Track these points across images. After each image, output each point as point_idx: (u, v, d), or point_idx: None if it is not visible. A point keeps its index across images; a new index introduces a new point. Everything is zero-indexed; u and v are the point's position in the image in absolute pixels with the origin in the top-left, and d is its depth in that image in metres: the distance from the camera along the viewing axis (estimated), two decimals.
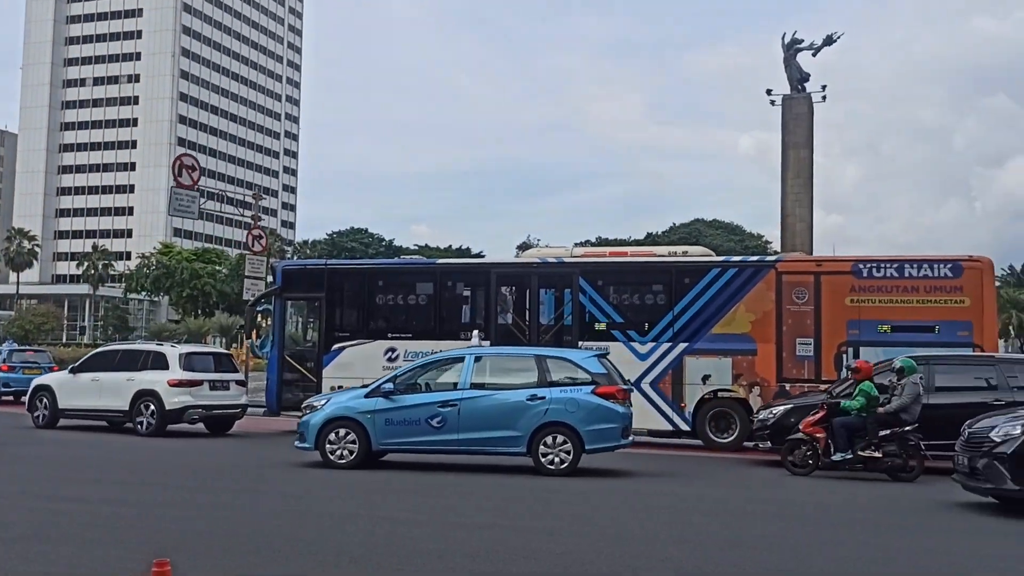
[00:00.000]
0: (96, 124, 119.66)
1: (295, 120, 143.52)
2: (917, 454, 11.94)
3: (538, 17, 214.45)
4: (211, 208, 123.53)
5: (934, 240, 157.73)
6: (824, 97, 34.39)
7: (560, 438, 11.86)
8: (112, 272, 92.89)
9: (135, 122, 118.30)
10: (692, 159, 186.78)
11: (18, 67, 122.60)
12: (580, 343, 16.64)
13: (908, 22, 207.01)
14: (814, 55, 35.04)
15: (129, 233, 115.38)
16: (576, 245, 25.52)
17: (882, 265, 15.33)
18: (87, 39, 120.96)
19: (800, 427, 12.52)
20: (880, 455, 11.95)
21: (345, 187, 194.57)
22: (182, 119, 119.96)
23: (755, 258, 17.96)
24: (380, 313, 18.27)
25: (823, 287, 15.38)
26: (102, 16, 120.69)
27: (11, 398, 25.01)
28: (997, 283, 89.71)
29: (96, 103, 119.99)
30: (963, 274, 14.81)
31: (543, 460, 11.89)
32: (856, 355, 14.73)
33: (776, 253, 28.81)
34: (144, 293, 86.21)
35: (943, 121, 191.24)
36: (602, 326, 16.73)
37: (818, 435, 12.26)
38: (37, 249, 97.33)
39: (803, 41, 34.81)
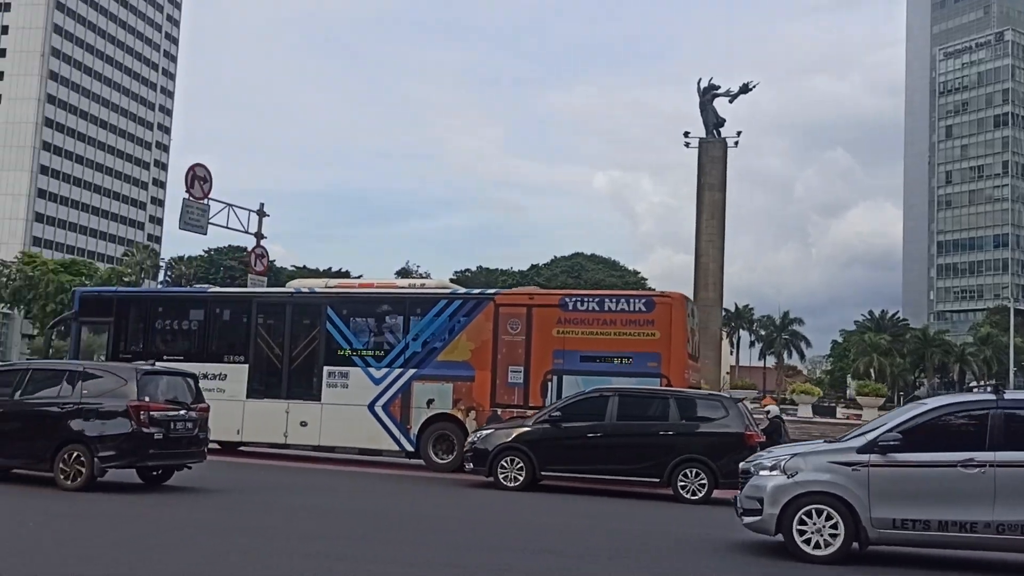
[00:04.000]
0: None
1: (167, 131, 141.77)
2: None
3: (400, 45, 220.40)
4: (83, 220, 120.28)
5: (774, 281, 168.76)
6: (737, 143, 35.89)
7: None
8: None
9: None
10: (547, 194, 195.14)
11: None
12: (324, 367, 18.32)
13: (751, 76, 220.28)
14: (730, 102, 36.74)
15: None
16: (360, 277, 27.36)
17: (586, 299, 17.31)
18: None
19: None
20: None
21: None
22: (48, 122, 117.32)
23: (477, 291, 19.67)
24: (159, 337, 19.96)
25: (534, 319, 17.15)
26: None
27: None
28: (856, 328, 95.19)
29: None
30: (655, 308, 16.73)
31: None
32: (560, 383, 16.70)
33: (652, 289, 30.53)
34: (2, 305, 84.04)
35: (785, 171, 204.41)
36: (344, 352, 18.34)
37: None
38: None
39: (720, 87, 36.55)
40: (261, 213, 29.03)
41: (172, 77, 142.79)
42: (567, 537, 10.39)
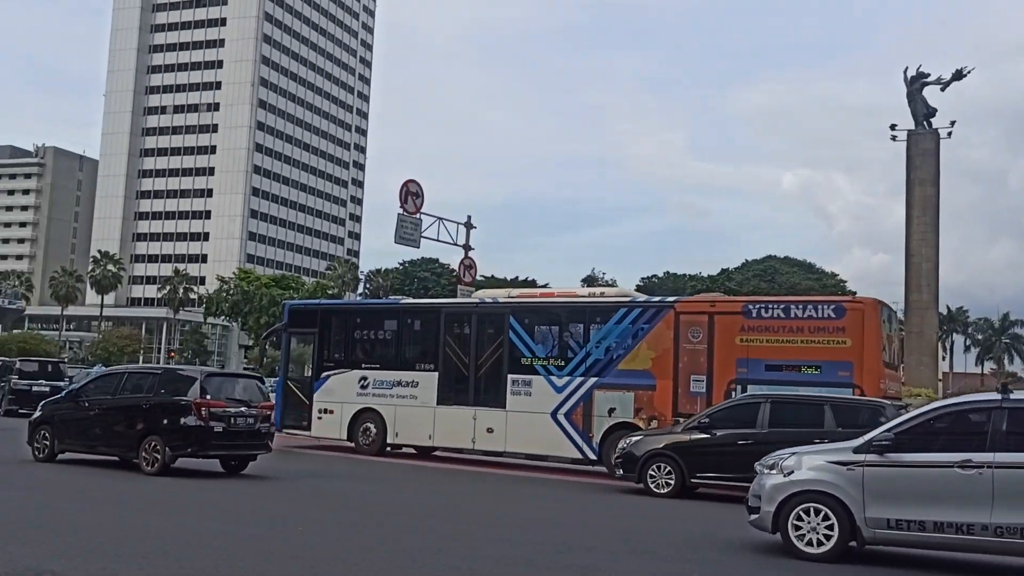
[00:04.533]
0: (175, 151, 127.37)
1: (362, 150, 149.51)
2: None
3: (579, 53, 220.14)
4: (290, 238, 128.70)
5: (986, 281, 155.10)
6: (950, 133, 33.85)
7: None
8: (192, 296, 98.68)
9: (213, 149, 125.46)
10: (733, 196, 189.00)
11: (101, 94, 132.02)
12: (508, 375, 18.87)
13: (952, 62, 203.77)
14: (942, 90, 34.61)
15: (204, 258, 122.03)
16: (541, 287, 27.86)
17: (770, 306, 16.88)
18: (168, 68, 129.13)
19: None
20: None
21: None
22: (259, 147, 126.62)
23: (656, 298, 19.57)
24: (358, 346, 21.38)
25: (716, 326, 16.91)
26: (184, 46, 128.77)
27: None
28: None
29: (175, 130, 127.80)
30: (846, 315, 16.08)
31: None
32: (744, 392, 16.35)
33: (852, 293, 29.11)
34: (222, 318, 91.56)
35: (997, 161, 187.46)
36: (527, 360, 18.79)
37: None
38: (122, 272, 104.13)
39: (929, 75, 34.45)
40: (468, 225, 29.86)
41: (366, 99, 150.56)
42: (656, 537, 10.44)
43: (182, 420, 14.19)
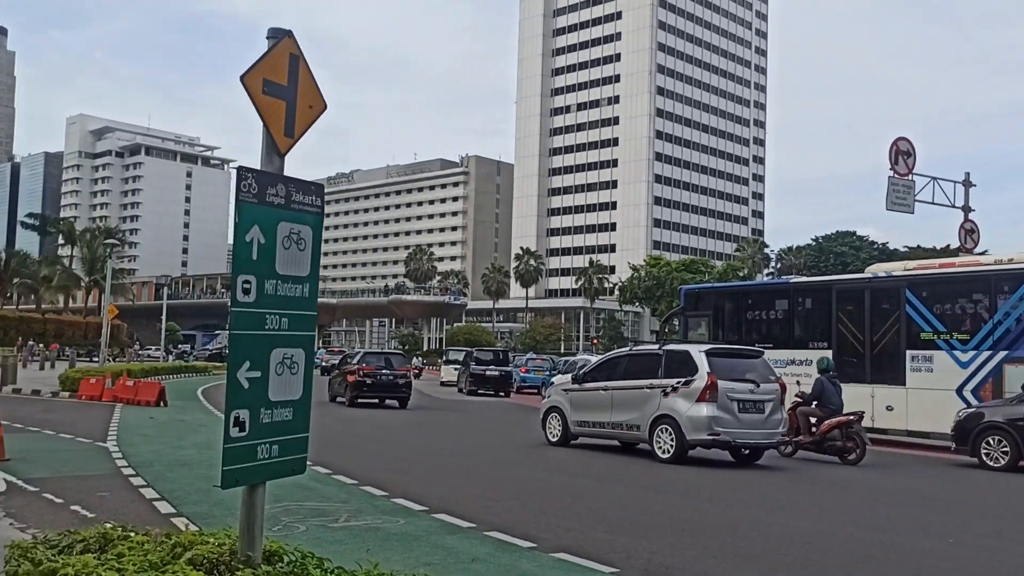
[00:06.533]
0: (580, 147, 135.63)
1: (762, 125, 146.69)
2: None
3: None
4: (693, 222, 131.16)
5: None
6: None
7: None
8: (606, 285, 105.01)
9: (615, 142, 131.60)
10: None
11: (512, 102, 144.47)
12: (907, 351, 18.46)
13: None
14: None
15: (613, 248, 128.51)
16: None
17: None
18: (570, 68, 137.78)
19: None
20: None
21: (806, 192, 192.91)
22: (658, 134, 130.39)
23: None
24: (750, 326, 22.25)
25: None
26: (583, 45, 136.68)
27: (532, 390, 37.88)
28: None
29: (579, 127, 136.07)
30: None
31: None
32: None
33: None
34: (636, 304, 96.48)
35: None
36: (927, 335, 18.23)
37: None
38: (542, 267, 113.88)
39: None
40: (967, 184, 26.24)
41: (763, 72, 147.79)
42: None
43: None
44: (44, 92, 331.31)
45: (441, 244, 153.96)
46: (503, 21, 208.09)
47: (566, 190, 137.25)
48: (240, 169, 4.24)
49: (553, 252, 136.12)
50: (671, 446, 13.86)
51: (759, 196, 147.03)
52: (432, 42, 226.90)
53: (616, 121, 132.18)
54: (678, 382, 13.96)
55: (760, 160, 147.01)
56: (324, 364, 43.64)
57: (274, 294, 4.32)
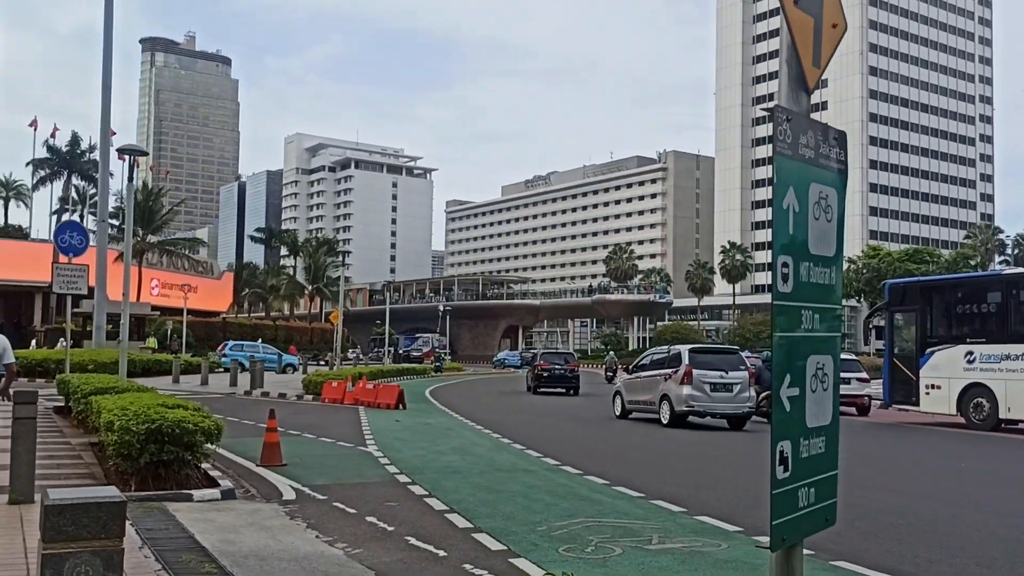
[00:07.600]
0: None
1: (988, 101, 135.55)
2: None
3: None
4: (914, 208, 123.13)
5: None
6: None
7: None
8: None
9: None
10: None
11: (711, 94, 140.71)
12: None
13: None
14: None
15: None
16: None
17: None
18: (772, 55, 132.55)
19: None
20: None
21: None
22: (872, 117, 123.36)
23: None
24: (960, 321, 21.23)
25: None
26: None
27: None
28: None
29: None
30: None
31: None
32: None
33: None
34: (857, 299, 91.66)
35: None
36: None
37: None
38: (749, 261, 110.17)
39: None
40: None
41: (988, 43, 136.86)
42: None
43: None
44: (263, 115, 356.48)
45: (640, 242, 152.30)
46: (696, 12, 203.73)
47: (771, 182, 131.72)
48: (777, 109, 3.22)
49: (759, 246, 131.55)
50: (668, 415, 19.78)
51: (987, 178, 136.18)
52: (621, 41, 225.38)
53: (824, 106, 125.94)
54: (671, 371, 19.95)
55: (988, 139, 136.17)
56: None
57: (807, 281, 3.28)
